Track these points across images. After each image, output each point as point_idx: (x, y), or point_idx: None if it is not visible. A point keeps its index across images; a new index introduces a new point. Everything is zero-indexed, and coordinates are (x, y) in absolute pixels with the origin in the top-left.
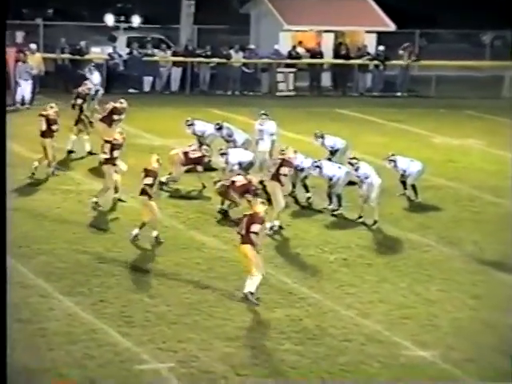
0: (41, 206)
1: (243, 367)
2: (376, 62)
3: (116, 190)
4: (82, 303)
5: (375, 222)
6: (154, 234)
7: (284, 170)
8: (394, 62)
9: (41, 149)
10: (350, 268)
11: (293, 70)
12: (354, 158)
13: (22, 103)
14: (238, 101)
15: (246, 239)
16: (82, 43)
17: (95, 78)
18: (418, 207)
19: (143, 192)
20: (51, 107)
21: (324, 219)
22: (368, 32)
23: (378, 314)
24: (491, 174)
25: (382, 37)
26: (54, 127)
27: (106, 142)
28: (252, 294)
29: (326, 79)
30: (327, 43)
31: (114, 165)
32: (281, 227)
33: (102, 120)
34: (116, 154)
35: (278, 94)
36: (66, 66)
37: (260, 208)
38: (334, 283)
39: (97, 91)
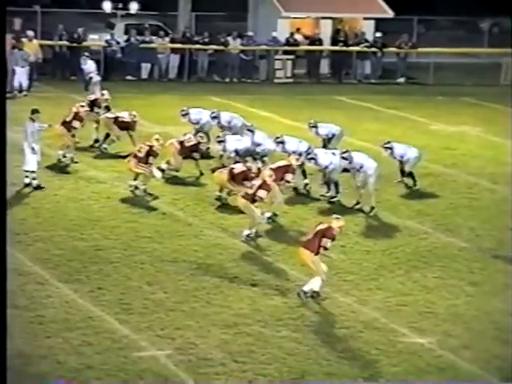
0: (38, 193)
1: (241, 354)
2: (374, 49)
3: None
4: (80, 290)
5: (372, 209)
6: (246, 232)
7: (288, 176)
8: (392, 49)
9: None
10: (348, 255)
11: (291, 57)
12: (346, 151)
13: (20, 90)
14: (235, 88)
15: (309, 246)
16: (80, 30)
17: (90, 67)
18: (415, 194)
19: (251, 199)
20: (82, 106)
21: (321, 206)
22: (366, 19)
23: (375, 301)
24: (488, 160)
25: (379, 23)
26: (75, 123)
27: (146, 145)
28: (305, 292)
29: (323, 66)
30: (325, 30)
31: (139, 163)
32: (275, 214)
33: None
34: (151, 160)
35: (276, 81)
36: (63, 53)
37: (335, 223)
38: (332, 270)
39: (90, 78)
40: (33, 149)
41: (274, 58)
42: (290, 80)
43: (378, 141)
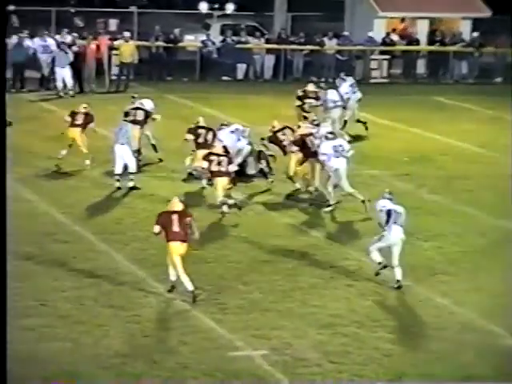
0: (134, 193)
1: (336, 355)
2: (471, 49)
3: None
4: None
5: (363, 202)
6: None
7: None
8: (489, 48)
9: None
10: (445, 256)
11: (387, 57)
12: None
13: (64, 89)
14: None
15: (179, 236)
16: (176, 31)
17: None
18: None
19: None
20: (84, 107)
21: (419, 207)
22: (463, 18)
23: (472, 302)
24: None
25: (477, 23)
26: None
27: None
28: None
29: (420, 66)
30: (422, 30)
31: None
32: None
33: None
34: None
35: (371, 81)
36: (160, 53)
37: (178, 206)
38: (429, 271)
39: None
40: (138, 150)
41: (370, 58)
42: (386, 80)
43: (476, 142)
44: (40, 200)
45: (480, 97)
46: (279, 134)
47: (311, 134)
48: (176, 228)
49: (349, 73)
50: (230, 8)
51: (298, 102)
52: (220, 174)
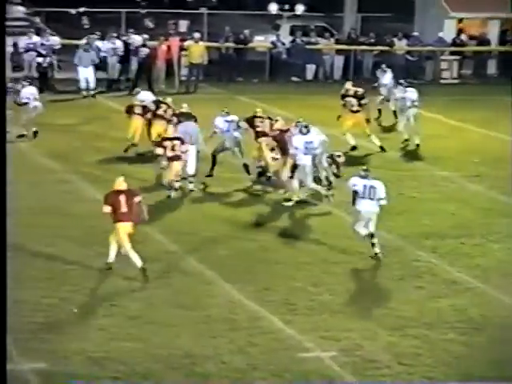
0: (207, 196)
1: (406, 357)
2: None
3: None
4: (246, 290)
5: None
6: None
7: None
8: None
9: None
10: None
11: (457, 57)
12: None
13: (87, 89)
14: None
15: (130, 217)
16: (246, 32)
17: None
18: None
19: None
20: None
21: (490, 208)
22: None
23: None
24: None
25: None
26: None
27: None
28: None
29: (491, 66)
30: (493, 30)
31: None
32: None
33: None
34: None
35: (441, 81)
36: (230, 54)
37: (123, 185)
38: (499, 272)
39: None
40: (198, 152)
41: (440, 59)
42: (456, 81)
43: None
44: None
45: None
46: (258, 121)
47: (288, 130)
48: (124, 208)
49: (419, 73)
50: (299, 9)
51: (342, 101)
52: (177, 157)
